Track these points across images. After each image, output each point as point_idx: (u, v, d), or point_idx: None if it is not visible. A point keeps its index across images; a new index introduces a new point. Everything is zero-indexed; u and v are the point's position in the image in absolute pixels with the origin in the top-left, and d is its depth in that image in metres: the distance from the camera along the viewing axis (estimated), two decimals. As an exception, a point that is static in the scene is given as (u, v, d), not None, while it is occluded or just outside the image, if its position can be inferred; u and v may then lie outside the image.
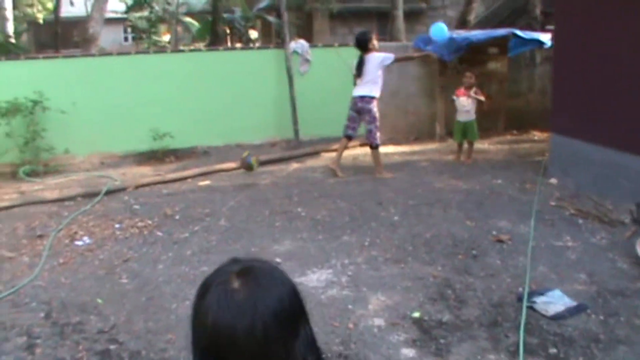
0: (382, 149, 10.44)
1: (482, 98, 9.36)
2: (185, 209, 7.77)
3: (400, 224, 6.90)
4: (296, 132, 10.90)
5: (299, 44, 11.26)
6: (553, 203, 7.45)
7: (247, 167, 9.36)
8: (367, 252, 6.17)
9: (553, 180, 8.27)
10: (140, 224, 7.28)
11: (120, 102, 10.41)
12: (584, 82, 7.87)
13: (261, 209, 7.64)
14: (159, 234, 6.99)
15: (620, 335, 4.52)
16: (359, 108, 8.82)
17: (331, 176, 9.05)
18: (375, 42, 8.87)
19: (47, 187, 9.17)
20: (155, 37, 28.39)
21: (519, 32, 10.69)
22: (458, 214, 7.19)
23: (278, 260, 6.06)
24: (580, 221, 6.84)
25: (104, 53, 10.50)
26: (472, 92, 9.35)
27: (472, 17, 15.32)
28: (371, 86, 8.75)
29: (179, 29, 33.35)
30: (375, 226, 6.87)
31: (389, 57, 8.85)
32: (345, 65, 10.55)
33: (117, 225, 7.28)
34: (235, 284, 1.39)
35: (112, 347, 4.69)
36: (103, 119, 10.52)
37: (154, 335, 4.81)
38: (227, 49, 11.59)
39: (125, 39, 38.56)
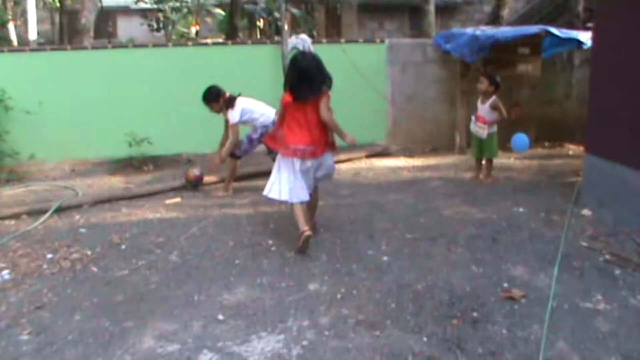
0: (392, 162, 9.11)
1: (503, 115, 7.89)
2: (137, 235, 6.50)
3: (389, 268, 5.52)
4: (292, 140, 9.53)
5: (299, 40, 9.91)
6: (584, 243, 5.99)
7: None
8: (337, 309, 4.81)
9: (586, 212, 6.81)
10: (75, 255, 6.04)
11: (94, 102, 9.17)
12: (629, 91, 6.38)
13: (226, 238, 6.34)
14: (94, 269, 5.73)
15: None
16: None
17: (325, 195, 7.70)
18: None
19: (-1, 200, 8.00)
20: (181, 28, 27.41)
21: (553, 30, 9.21)
22: (464, 254, 5.79)
23: (220, 317, 4.74)
24: (617, 271, 5.38)
25: (77, 47, 9.25)
26: (489, 104, 7.89)
27: (505, 13, 13.82)
28: None
29: (209, 20, 32.40)
30: (356, 270, 5.51)
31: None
32: (352, 65, 9.28)
33: (49, 256, 6.05)
34: (307, 54, 6.04)
35: None
36: (74, 120, 9.32)
37: None
38: (217, 43, 10.17)
39: (158, 29, 37.62)
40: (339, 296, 5.01)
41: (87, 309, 4.97)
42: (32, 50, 9.24)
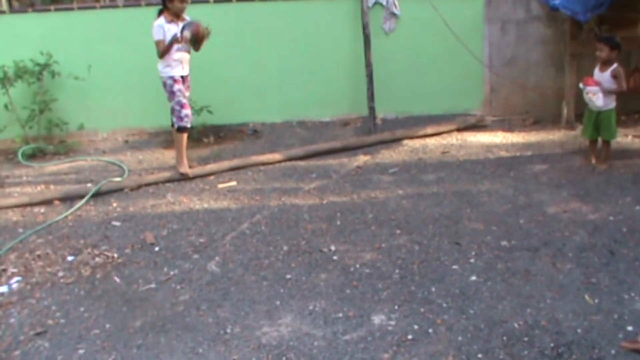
0: (488, 137, 7.79)
1: (622, 86, 6.46)
2: (175, 232, 5.50)
3: (477, 294, 4.30)
4: (371, 109, 8.25)
5: (383, -7, 8.55)
6: None
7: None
8: (405, 358, 3.65)
9: None
10: (99, 258, 5.09)
11: (150, 65, 8.09)
12: None
13: (279, 241, 5.25)
14: (116, 279, 4.77)
15: None
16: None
17: (406, 182, 6.49)
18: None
19: (35, 179, 7.15)
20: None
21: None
22: (573, 274, 4.50)
23: (253, 365, 3.67)
24: None
25: (130, 4, 8.22)
26: (610, 72, 6.44)
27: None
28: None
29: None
30: (435, 294, 4.32)
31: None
32: (443, 23, 7.98)
33: (69, 259, 5.13)
34: None
35: None
36: (128, 86, 8.34)
37: None
38: (289, -2, 8.85)
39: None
40: (410, 337, 3.85)
41: (96, 339, 4.02)
42: (80, 8, 8.25)
